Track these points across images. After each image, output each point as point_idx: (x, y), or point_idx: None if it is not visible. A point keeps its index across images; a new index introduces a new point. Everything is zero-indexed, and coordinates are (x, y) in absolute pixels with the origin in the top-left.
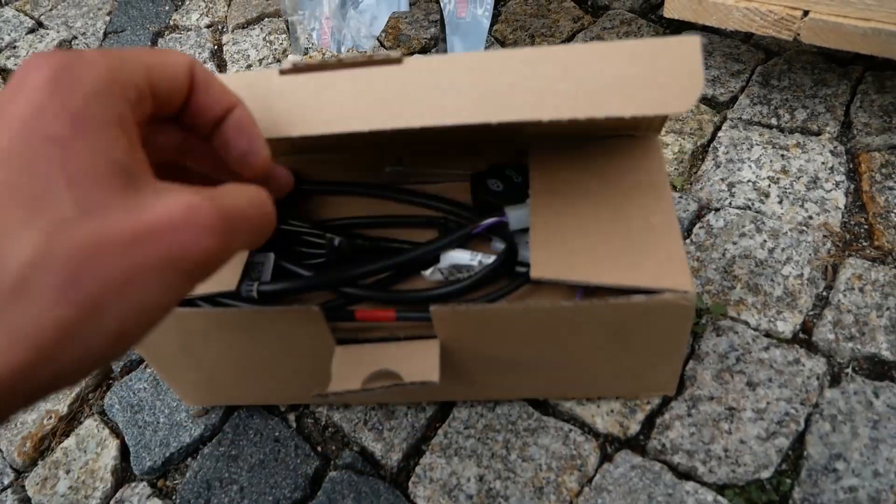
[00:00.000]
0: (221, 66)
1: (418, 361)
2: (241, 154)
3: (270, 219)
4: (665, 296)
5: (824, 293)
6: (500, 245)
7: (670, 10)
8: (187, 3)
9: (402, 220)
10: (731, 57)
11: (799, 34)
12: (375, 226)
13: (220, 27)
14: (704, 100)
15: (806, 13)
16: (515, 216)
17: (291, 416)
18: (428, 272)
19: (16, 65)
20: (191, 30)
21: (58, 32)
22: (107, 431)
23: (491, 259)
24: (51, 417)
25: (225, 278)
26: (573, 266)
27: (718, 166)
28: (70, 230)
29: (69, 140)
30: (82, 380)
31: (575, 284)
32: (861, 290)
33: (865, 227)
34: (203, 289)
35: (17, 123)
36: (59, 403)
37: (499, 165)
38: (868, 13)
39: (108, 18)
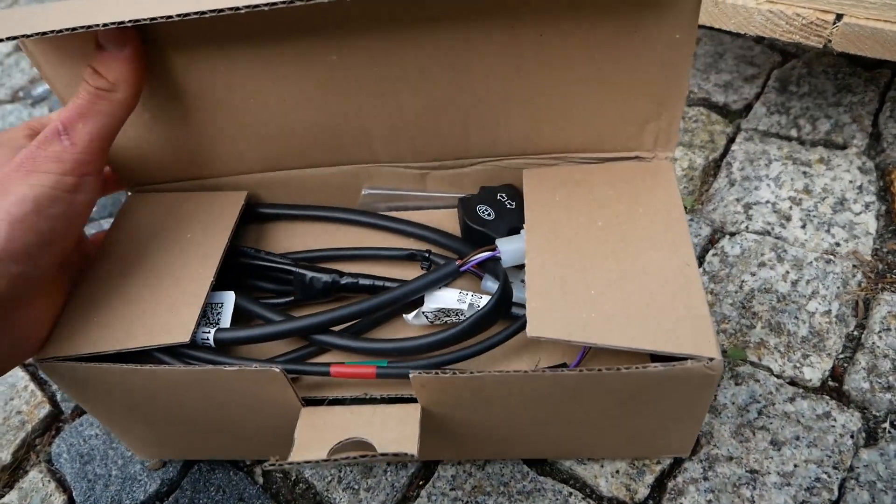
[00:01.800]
0: None
1: (395, 429)
2: None
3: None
4: (686, 365)
5: (855, 333)
6: (490, 283)
7: None
8: None
9: (380, 252)
10: (743, 60)
11: (830, 41)
12: (348, 259)
13: None
14: (716, 108)
15: (839, 17)
16: (509, 251)
17: (258, 470)
18: (411, 316)
19: None
20: None
21: None
22: (53, 485)
23: (482, 299)
24: None
25: (181, 324)
26: (576, 322)
27: (733, 184)
28: None
29: None
30: None
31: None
32: None
33: None
34: (156, 338)
35: None
36: (3, 451)
37: (490, 188)
38: None
39: None
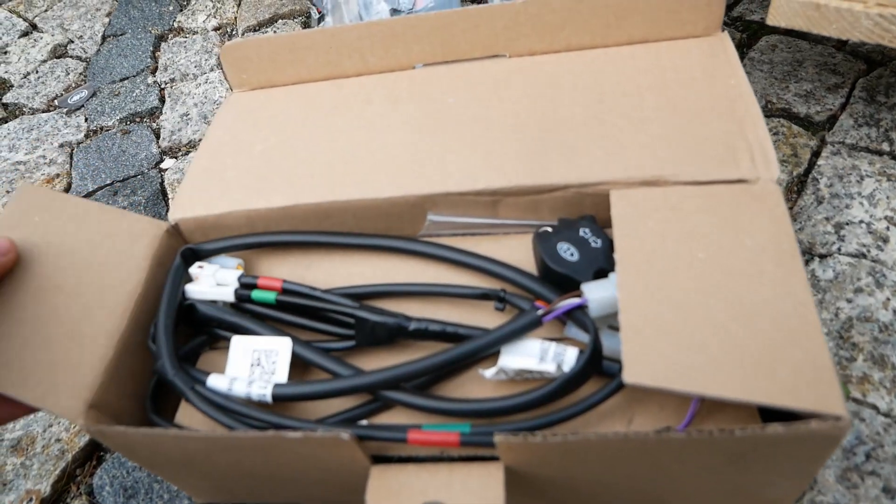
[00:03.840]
0: None
1: (477, 492)
2: None
3: None
4: (811, 425)
5: None
6: (575, 330)
7: (776, 17)
8: (193, 2)
9: (446, 290)
10: (825, 67)
11: None
12: (410, 295)
13: (229, 30)
14: (797, 119)
15: None
16: (598, 300)
17: None
18: (489, 373)
19: (7, 72)
20: (196, 33)
21: (52, 36)
22: None
23: (566, 351)
24: (31, 499)
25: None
26: (680, 367)
27: (821, 202)
28: None
29: None
30: None
31: (683, 395)
32: None
33: None
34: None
35: None
36: (42, 482)
37: (569, 221)
38: None
39: (107, 20)
